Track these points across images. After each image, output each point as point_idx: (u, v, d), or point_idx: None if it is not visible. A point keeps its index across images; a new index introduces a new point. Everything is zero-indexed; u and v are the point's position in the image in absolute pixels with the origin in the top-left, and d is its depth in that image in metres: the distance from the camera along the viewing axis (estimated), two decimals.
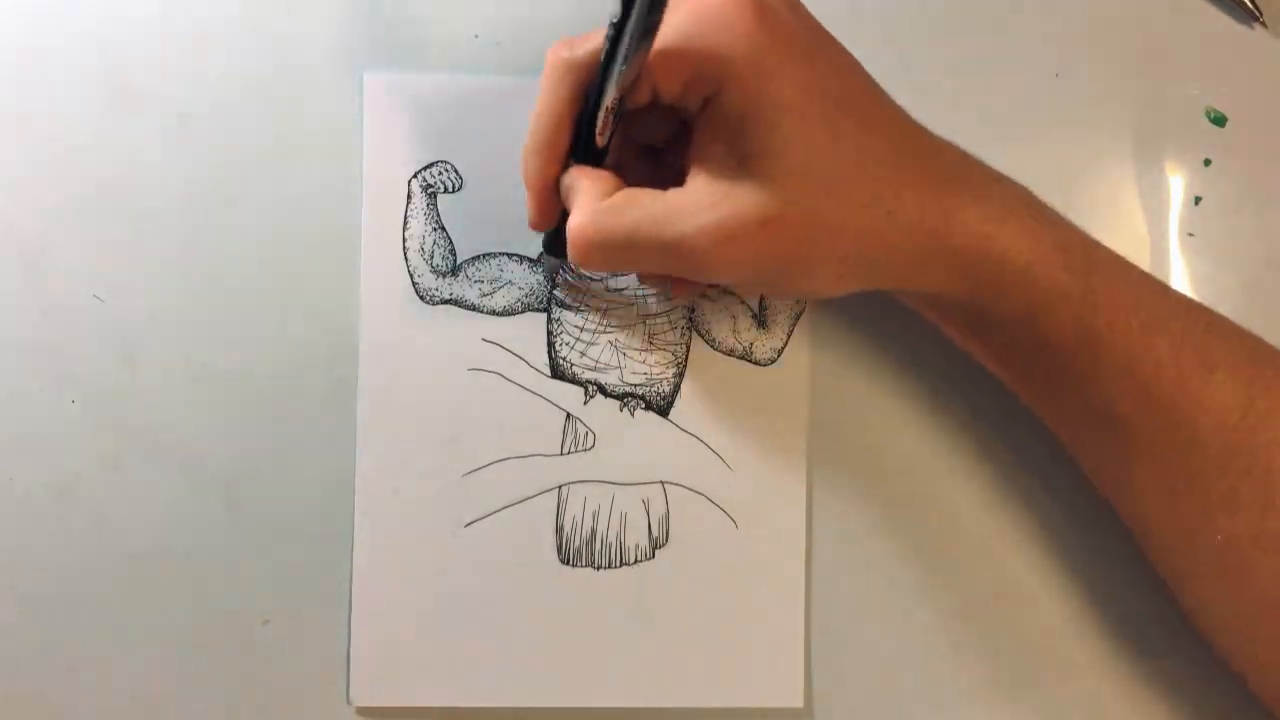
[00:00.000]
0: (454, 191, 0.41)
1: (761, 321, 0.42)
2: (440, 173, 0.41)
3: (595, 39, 0.34)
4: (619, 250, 0.35)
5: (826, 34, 0.35)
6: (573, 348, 0.42)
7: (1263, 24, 0.43)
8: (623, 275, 0.41)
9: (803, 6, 0.35)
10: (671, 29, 0.33)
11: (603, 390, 0.42)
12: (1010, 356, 0.37)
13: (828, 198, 0.33)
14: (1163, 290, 0.37)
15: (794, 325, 0.42)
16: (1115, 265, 0.36)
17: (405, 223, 0.41)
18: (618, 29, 0.31)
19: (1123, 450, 0.36)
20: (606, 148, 0.36)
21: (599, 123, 0.35)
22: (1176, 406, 0.34)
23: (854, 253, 0.35)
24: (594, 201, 0.35)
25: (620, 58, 0.32)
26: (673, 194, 0.34)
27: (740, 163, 0.33)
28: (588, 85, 0.34)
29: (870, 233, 0.34)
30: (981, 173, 0.37)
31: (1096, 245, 0.36)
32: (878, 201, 0.34)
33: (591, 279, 0.41)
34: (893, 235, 0.34)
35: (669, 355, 0.42)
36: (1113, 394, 0.35)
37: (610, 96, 0.34)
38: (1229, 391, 0.34)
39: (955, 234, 0.34)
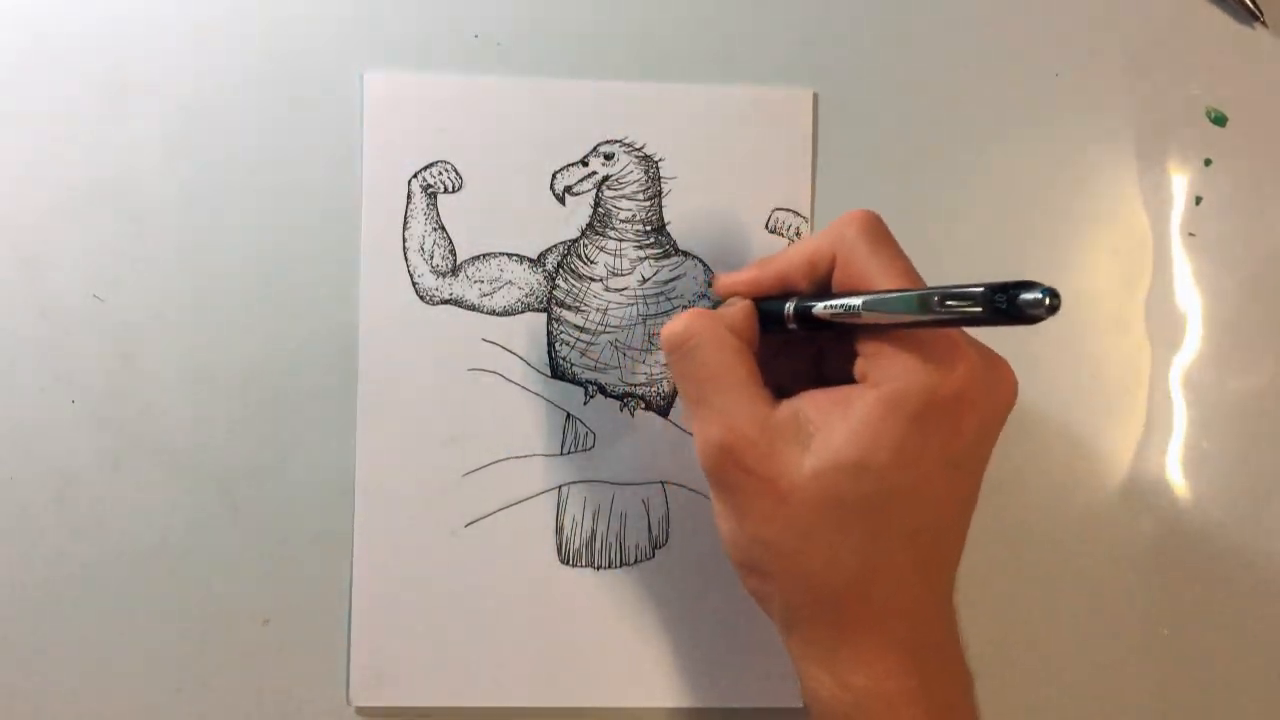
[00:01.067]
0: (454, 191, 0.41)
1: None
2: (440, 173, 0.41)
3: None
4: (676, 360, 0.35)
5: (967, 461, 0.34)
6: (573, 348, 0.42)
7: (1263, 24, 0.43)
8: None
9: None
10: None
11: (603, 390, 0.42)
12: None
13: (835, 533, 0.32)
14: None
15: None
16: None
17: (405, 223, 0.41)
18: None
19: None
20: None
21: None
22: None
23: (805, 602, 0.33)
24: (715, 320, 0.35)
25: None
26: (759, 398, 0.33)
27: (805, 440, 0.32)
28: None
29: (829, 604, 0.33)
30: (951, 689, 0.34)
31: None
32: (863, 588, 0.32)
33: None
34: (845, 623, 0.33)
35: None
36: None
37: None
38: None
39: (869, 698, 0.33)
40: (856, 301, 0.32)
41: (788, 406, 0.33)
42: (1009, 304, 0.28)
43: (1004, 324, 0.28)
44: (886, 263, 0.33)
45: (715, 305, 0.38)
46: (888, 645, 0.32)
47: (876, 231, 0.34)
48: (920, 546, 0.33)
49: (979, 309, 0.29)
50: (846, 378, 0.33)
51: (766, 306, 0.35)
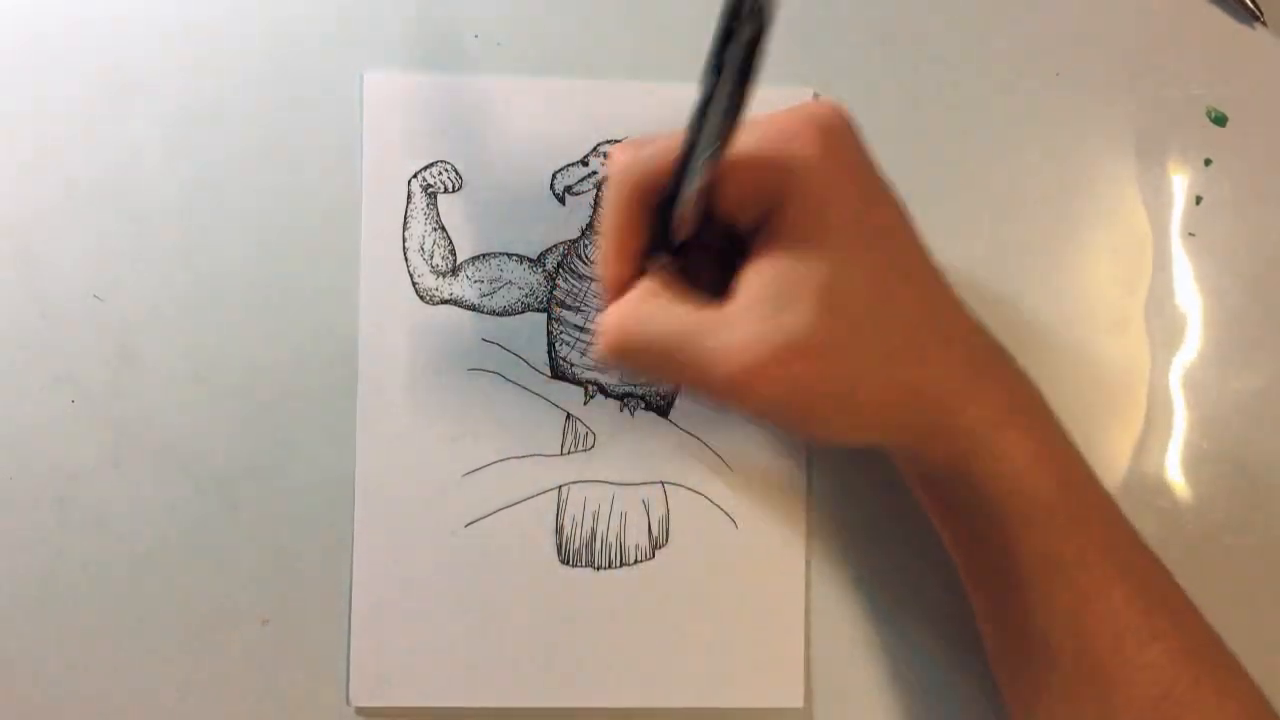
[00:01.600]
0: (454, 191, 0.41)
1: None
2: (440, 173, 0.41)
3: (660, 141, 0.33)
4: (642, 355, 0.34)
5: (886, 181, 0.34)
6: (573, 348, 0.42)
7: (1263, 24, 0.43)
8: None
9: (869, 148, 0.34)
10: (742, 140, 0.32)
11: (603, 390, 0.42)
12: (973, 548, 0.37)
13: (864, 341, 0.33)
14: (1136, 541, 0.36)
15: None
16: (1102, 499, 0.36)
17: (405, 223, 0.41)
18: (703, 107, 0.30)
19: (1041, 676, 0.35)
20: (683, 246, 0.35)
21: (675, 219, 0.33)
22: (1105, 666, 0.34)
23: (873, 402, 0.33)
24: (634, 301, 0.34)
25: (704, 144, 0.31)
26: (712, 309, 0.33)
27: (788, 287, 0.32)
28: (656, 187, 0.33)
29: (893, 386, 0.33)
30: (1004, 365, 0.36)
31: (1092, 476, 0.36)
32: (904, 359, 0.33)
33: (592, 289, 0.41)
34: (910, 397, 0.33)
35: None
36: (1054, 625, 0.34)
37: (692, 188, 0.32)
38: (1158, 670, 0.34)
39: (965, 414, 0.34)
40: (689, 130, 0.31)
41: (744, 290, 0.33)
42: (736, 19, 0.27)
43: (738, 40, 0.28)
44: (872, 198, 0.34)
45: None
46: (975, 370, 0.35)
47: (851, 145, 0.34)
48: (914, 278, 0.34)
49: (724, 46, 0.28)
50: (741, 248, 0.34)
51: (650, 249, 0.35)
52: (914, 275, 0.34)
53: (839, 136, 0.33)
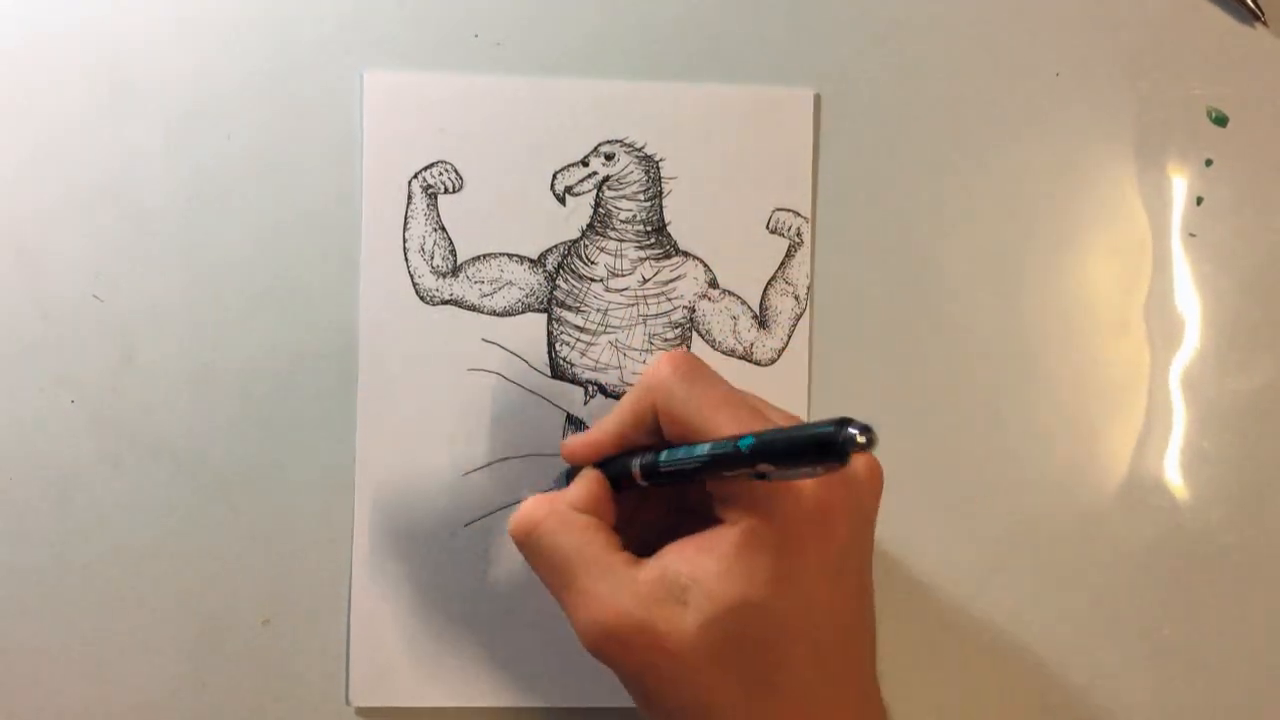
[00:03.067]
0: (454, 192, 0.41)
1: (762, 322, 0.42)
2: (440, 173, 0.41)
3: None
4: (532, 557, 0.34)
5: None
6: (573, 348, 0.42)
7: (1264, 24, 0.43)
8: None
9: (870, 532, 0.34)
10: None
11: (603, 390, 0.42)
12: None
13: (737, 676, 0.31)
14: None
15: (794, 326, 0.42)
16: None
17: (405, 223, 0.41)
18: (718, 464, 0.31)
19: None
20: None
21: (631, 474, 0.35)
22: None
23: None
24: (556, 502, 0.34)
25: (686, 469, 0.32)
26: (620, 556, 0.33)
27: (689, 584, 0.31)
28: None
29: None
30: None
31: None
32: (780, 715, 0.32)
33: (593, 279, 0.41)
34: None
35: None
36: None
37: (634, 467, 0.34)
38: None
39: None
40: (704, 449, 0.31)
41: (654, 566, 0.32)
42: (827, 452, 0.27)
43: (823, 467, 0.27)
44: (701, 396, 0.33)
45: (568, 473, 0.38)
46: None
47: (688, 368, 0.33)
48: (825, 658, 0.32)
49: (802, 465, 0.28)
50: (710, 510, 0.33)
51: (615, 469, 0.35)
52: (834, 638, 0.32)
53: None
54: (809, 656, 0.32)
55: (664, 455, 0.33)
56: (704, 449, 0.31)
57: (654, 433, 0.34)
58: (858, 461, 0.33)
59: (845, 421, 0.26)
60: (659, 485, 0.34)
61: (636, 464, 0.34)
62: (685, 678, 0.31)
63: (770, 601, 0.31)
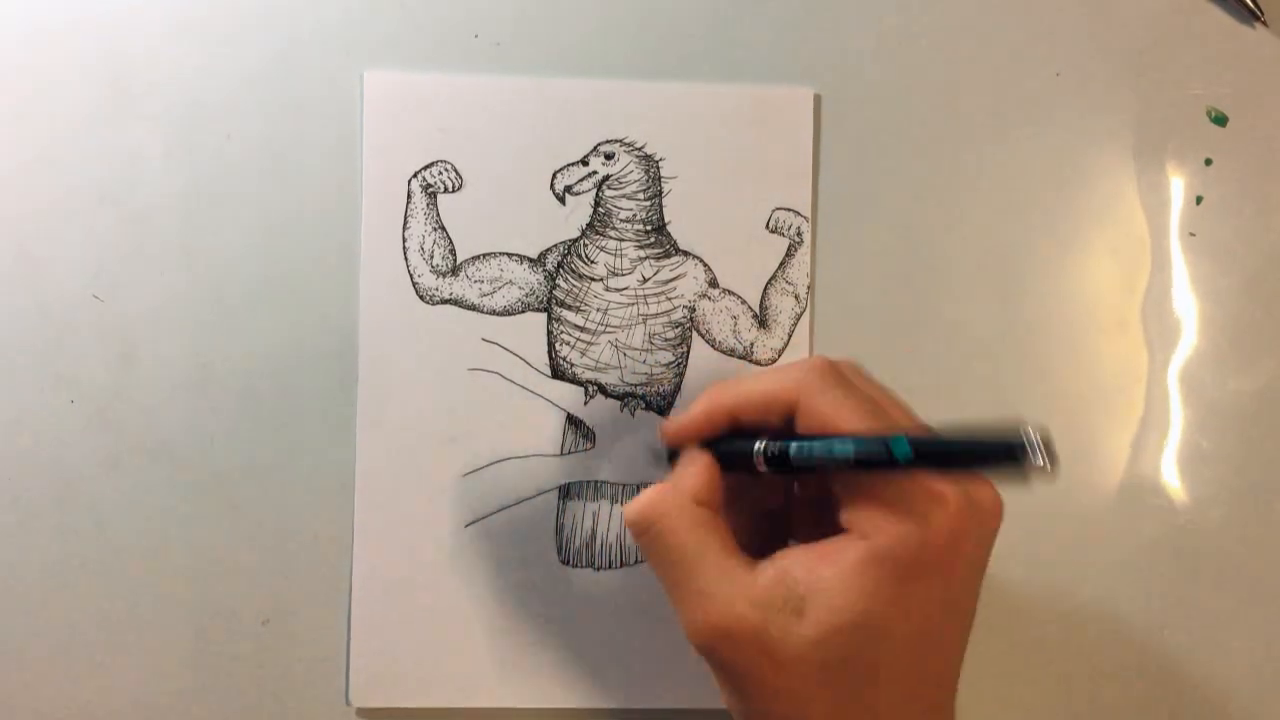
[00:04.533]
0: (454, 191, 0.41)
1: (761, 322, 0.42)
2: (440, 173, 0.41)
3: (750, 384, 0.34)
4: (648, 549, 0.34)
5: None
6: (573, 348, 0.42)
7: (1264, 24, 0.43)
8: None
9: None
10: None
11: (603, 390, 0.42)
12: None
13: (842, 694, 0.31)
14: None
15: (794, 325, 0.42)
16: None
17: (405, 223, 0.41)
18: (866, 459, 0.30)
19: None
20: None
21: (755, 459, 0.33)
22: None
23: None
24: (678, 495, 0.33)
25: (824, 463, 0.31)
26: (734, 558, 0.32)
27: (808, 592, 0.31)
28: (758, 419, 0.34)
29: None
30: None
31: None
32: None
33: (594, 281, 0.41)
34: None
35: (669, 355, 0.42)
36: None
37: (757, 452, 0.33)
38: None
39: None
40: (848, 447, 0.30)
41: (771, 570, 0.32)
42: (1009, 458, 0.27)
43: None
44: (855, 404, 0.32)
45: (669, 454, 0.36)
46: None
47: (841, 377, 0.33)
48: (926, 686, 0.32)
49: (980, 464, 0.28)
50: (815, 515, 0.32)
51: (726, 448, 0.34)
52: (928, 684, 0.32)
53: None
54: (909, 683, 0.31)
55: (796, 446, 0.32)
56: (848, 447, 0.30)
57: (773, 424, 0.33)
58: (984, 493, 0.32)
59: (1023, 435, 0.26)
60: (778, 472, 0.33)
61: (760, 451, 0.33)
62: (788, 688, 0.31)
63: (886, 625, 0.31)
